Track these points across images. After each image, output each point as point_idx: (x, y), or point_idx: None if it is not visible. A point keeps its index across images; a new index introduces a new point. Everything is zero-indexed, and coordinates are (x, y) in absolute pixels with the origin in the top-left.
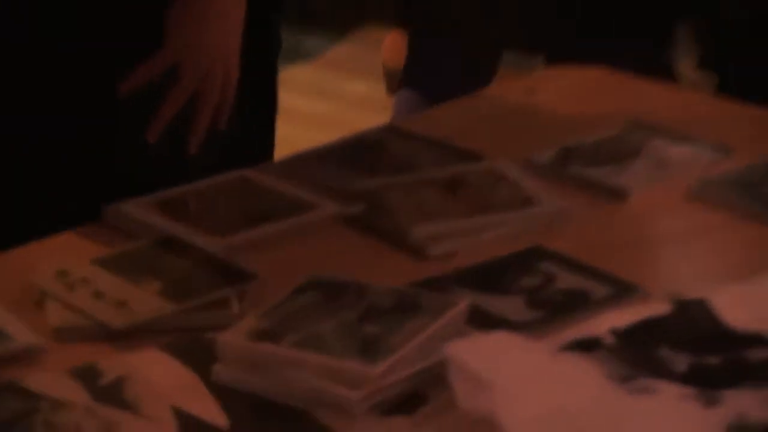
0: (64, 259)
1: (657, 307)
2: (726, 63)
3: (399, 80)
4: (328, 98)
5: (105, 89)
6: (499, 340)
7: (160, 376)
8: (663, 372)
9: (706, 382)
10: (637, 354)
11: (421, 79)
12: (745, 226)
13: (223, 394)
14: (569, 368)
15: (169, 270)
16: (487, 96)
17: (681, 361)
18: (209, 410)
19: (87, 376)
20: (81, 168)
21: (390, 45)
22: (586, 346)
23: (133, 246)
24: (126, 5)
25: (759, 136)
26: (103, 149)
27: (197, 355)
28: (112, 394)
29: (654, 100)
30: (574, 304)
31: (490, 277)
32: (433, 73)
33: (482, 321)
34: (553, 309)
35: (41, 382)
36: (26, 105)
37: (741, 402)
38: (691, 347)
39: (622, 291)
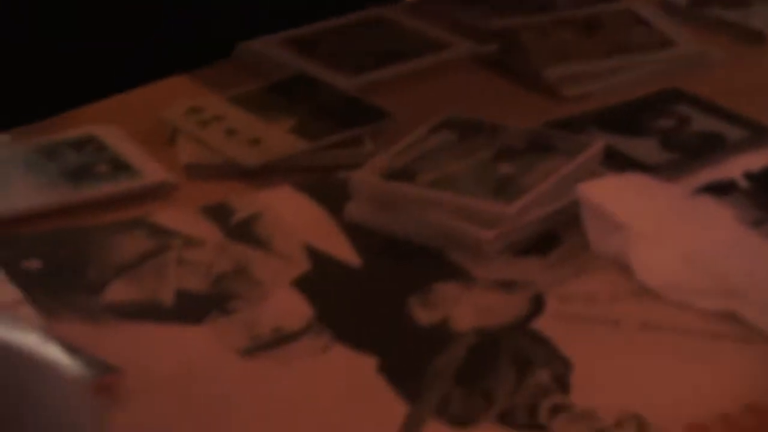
0: (196, 96)
1: None
2: None
3: None
4: None
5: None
6: (632, 181)
7: (292, 214)
8: None
9: None
10: None
11: None
12: None
13: (354, 232)
14: (702, 211)
15: (302, 108)
16: None
17: None
18: (341, 248)
19: (219, 213)
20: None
21: None
22: (720, 189)
23: (265, 83)
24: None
25: None
26: None
27: (330, 193)
28: (244, 231)
29: None
30: (709, 147)
31: (625, 118)
32: None
33: (616, 162)
34: (687, 151)
35: (173, 219)
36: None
37: None
38: None
39: (759, 134)
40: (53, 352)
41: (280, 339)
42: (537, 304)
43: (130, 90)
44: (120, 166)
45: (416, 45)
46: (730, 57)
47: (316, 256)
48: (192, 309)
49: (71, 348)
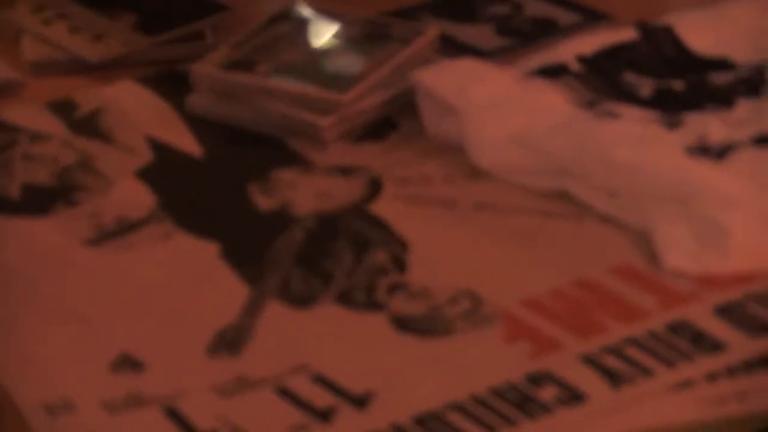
0: None
1: (623, 34)
2: None
3: None
4: None
5: None
6: (466, 66)
7: (134, 107)
8: (627, 96)
9: (669, 106)
10: (603, 79)
11: None
12: None
13: (196, 123)
14: (535, 93)
15: (143, 3)
16: None
17: (645, 86)
18: (183, 139)
19: (63, 108)
20: None
21: None
22: (553, 72)
23: None
24: None
25: None
26: None
27: (172, 86)
28: (88, 125)
29: None
30: (543, 32)
31: (460, 5)
32: None
33: (451, 49)
34: (521, 36)
35: (19, 115)
36: None
37: (702, 124)
38: (655, 72)
39: (591, 18)
40: None
41: (124, 228)
42: (374, 188)
43: None
44: None
45: None
46: None
47: (158, 148)
48: (38, 201)
49: None
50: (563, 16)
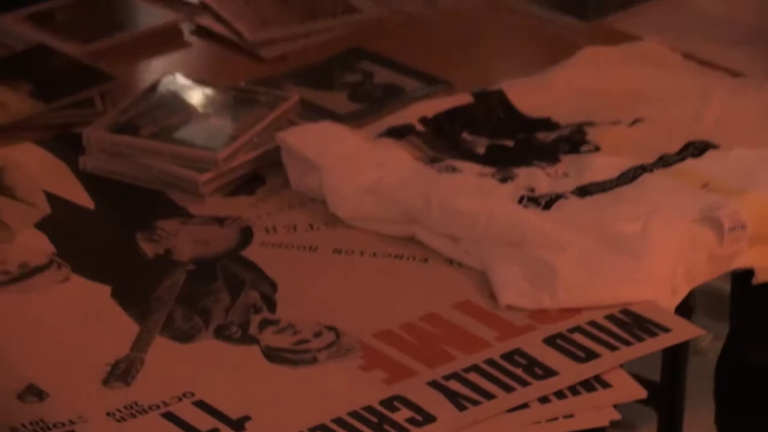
0: None
1: (460, 98)
2: None
3: None
4: None
5: None
6: (325, 128)
7: (34, 166)
8: (465, 153)
9: (502, 161)
10: (444, 138)
11: None
12: (539, 30)
13: (88, 180)
14: (385, 151)
15: (40, 74)
16: None
17: (480, 144)
18: (77, 194)
19: None
20: None
21: None
22: (400, 132)
23: (7, 53)
24: None
25: None
26: None
27: (66, 147)
28: None
29: None
30: (390, 97)
31: (318, 75)
32: None
33: (311, 112)
34: (371, 101)
35: None
36: None
37: (531, 177)
38: (489, 132)
39: (432, 85)
40: None
41: (26, 273)
42: (246, 235)
43: None
44: None
45: (136, 17)
46: (407, 19)
47: (55, 202)
48: None
49: None
50: (408, 83)
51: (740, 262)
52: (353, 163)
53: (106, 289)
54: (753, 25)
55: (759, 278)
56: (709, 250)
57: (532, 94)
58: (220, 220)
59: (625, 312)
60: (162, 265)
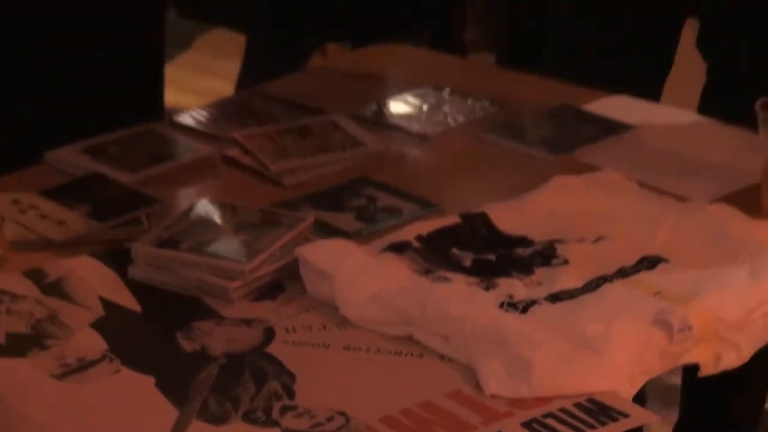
0: (17, 191)
1: (450, 219)
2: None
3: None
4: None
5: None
6: (335, 244)
7: (90, 275)
8: (455, 266)
9: (485, 273)
10: (436, 253)
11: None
12: (516, 160)
13: (136, 288)
14: (386, 264)
15: (95, 198)
16: (325, 68)
17: (467, 258)
18: (126, 299)
19: (36, 276)
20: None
21: None
22: (399, 248)
23: (68, 181)
24: None
25: (526, 94)
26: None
27: (118, 259)
28: (55, 289)
29: (445, 68)
30: (391, 218)
31: (330, 199)
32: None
33: (324, 231)
34: (375, 221)
35: (2, 281)
36: None
37: (510, 286)
38: (474, 248)
39: (426, 208)
40: None
41: (83, 366)
42: (269, 335)
43: None
44: None
45: (176, 150)
46: (404, 152)
47: (108, 306)
48: (18, 346)
49: None
50: (406, 206)
51: (688, 358)
52: (360, 274)
53: (150, 380)
54: (698, 160)
55: (703, 372)
56: (661, 348)
57: (511, 216)
58: (248, 321)
59: (591, 401)
60: (198, 359)
